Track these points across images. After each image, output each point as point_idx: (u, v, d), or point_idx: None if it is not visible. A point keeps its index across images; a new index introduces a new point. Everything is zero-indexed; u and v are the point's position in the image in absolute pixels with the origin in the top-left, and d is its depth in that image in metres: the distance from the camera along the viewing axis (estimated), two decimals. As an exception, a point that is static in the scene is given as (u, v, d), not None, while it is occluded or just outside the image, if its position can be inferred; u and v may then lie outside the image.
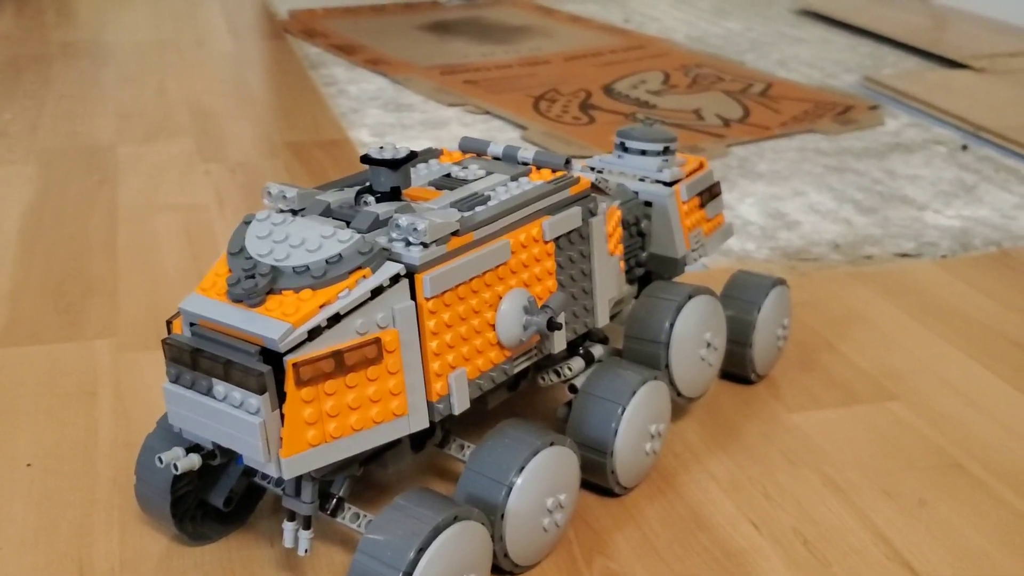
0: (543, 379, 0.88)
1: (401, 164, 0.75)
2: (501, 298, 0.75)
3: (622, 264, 0.90)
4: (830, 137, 1.78)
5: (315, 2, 2.81)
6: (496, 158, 0.87)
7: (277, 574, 0.78)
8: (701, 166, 1.00)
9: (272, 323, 0.64)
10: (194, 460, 0.70)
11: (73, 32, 2.52)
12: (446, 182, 0.82)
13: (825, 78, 2.14)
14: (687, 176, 0.98)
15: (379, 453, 0.77)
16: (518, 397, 0.93)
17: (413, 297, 0.69)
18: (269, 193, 0.74)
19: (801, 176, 1.60)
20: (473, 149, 0.89)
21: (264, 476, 0.77)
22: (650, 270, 0.98)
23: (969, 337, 1.13)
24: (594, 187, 0.85)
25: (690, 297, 0.91)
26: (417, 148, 0.81)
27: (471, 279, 0.73)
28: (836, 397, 1.02)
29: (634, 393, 0.83)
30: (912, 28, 2.46)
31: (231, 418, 0.65)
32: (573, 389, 0.88)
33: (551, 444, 0.76)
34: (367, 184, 0.77)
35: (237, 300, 0.66)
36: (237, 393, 0.65)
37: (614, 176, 0.97)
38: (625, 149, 0.98)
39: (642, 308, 0.91)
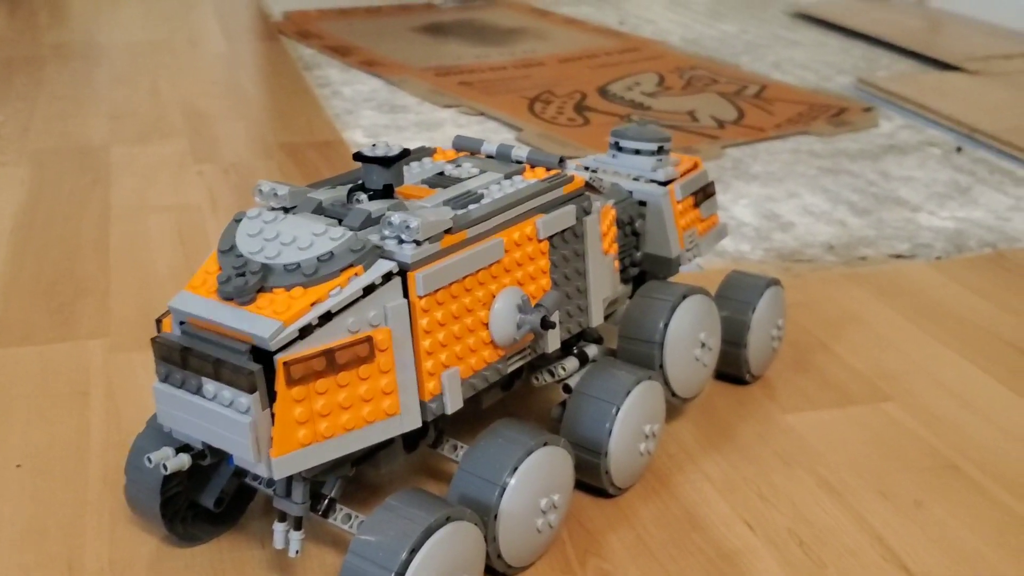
0: (537, 379, 0.88)
1: (394, 162, 0.74)
2: (494, 296, 0.75)
3: (616, 264, 0.89)
4: (824, 139, 1.78)
5: (309, 3, 2.81)
6: (490, 157, 0.87)
7: (267, 575, 0.77)
8: (695, 166, 1.00)
9: (263, 321, 0.64)
10: (184, 460, 0.69)
11: (66, 33, 2.51)
12: (439, 180, 0.81)
13: (819, 80, 2.13)
14: (681, 176, 0.97)
15: (371, 453, 0.76)
16: (512, 397, 0.92)
17: (406, 295, 0.69)
18: (260, 191, 0.74)
19: (795, 178, 1.59)
20: (467, 148, 0.88)
21: (255, 476, 0.76)
22: (644, 270, 0.97)
23: (964, 338, 1.13)
24: (588, 186, 0.85)
25: (684, 297, 0.90)
26: (407, 147, 0.81)
27: (464, 277, 0.72)
28: (831, 398, 1.01)
29: (628, 393, 0.83)
30: (906, 31, 2.46)
31: (221, 417, 0.65)
32: (567, 389, 0.87)
33: (545, 444, 0.76)
34: (359, 182, 0.76)
35: (227, 298, 0.65)
36: (227, 392, 0.64)
37: (608, 176, 0.96)
38: (619, 149, 0.98)
39: (636, 308, 0.90)
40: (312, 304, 0.65)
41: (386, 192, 0.75)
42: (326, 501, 0.74)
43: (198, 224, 1.41)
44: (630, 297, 0.96)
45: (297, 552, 0.73)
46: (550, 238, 0.79)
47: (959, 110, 1.87)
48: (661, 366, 0.89)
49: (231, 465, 0.77)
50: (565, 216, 0.80)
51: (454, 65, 2.21)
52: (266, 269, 0.67)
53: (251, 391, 0.63)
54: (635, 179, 0.96)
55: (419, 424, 0.71)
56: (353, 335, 0.66)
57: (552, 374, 0.87)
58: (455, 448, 0.82)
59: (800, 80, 2.13)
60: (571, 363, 0.88)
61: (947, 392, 1.02)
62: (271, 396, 0.64)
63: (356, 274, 0.66)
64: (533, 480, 0.75)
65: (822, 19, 2.65)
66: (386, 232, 0.69)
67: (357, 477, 0.81)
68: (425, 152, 0.88)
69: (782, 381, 1.04)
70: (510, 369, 0.78)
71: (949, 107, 1.89)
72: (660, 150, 0.96)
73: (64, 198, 1.50)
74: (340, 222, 0.71)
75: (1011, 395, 1.02)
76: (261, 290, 0.66)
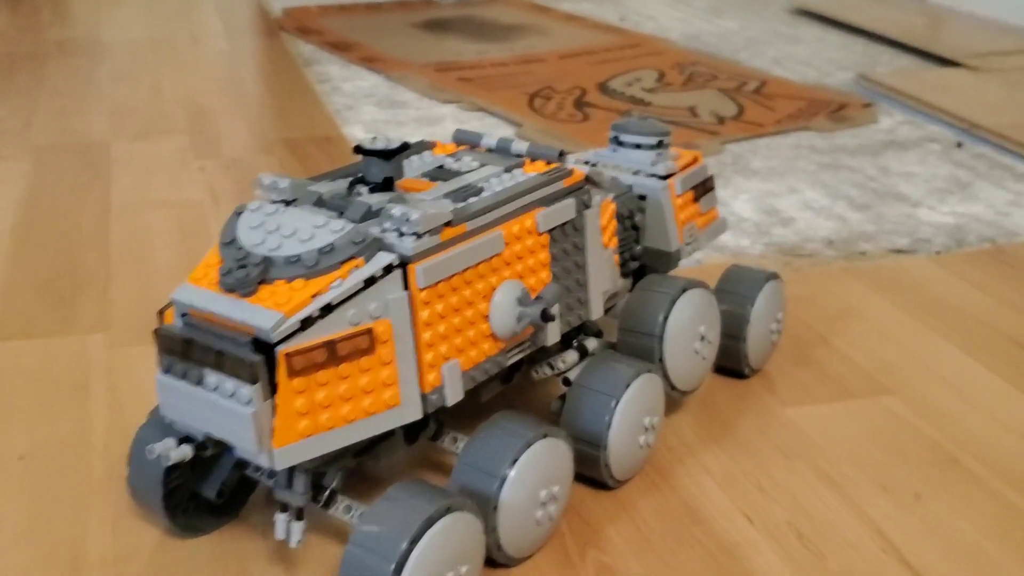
0: (537, 372, 0.88)
1: (394, 155, 0.74)
2: (495, 289, 0.75)
3: (616, 257, 0.89)
4: (824, 135, 1.78)
5: (309, 0, 2.81)
6: (490, 150, 0.87)
7: (269, 566, 0.78)
8: (695, 160, 1.00)
9: (264, 313, 0.64)
10: (186, 451, 0.70)
11: (68, 30, 2.52)
12: (439, 174, 0.81)
13: (820, 76, 2.14)
14: (681, 170, 0.98)
15: (372, 445, 0.77)
16: (511, 390, 0.93)
17: (406, 287, 0.69)
18: (261, 183, 0.74)
19: (795, 173, 1.60)
20: (467, 141, 0.89)
21: (256, 468, 0.76)
22: (644, 264, 0.98)
23: (963, 332, 1.13)
24: (588, 179, 0.85)
25: (684, 290, 0.90)
26: (407, 140, 0.81)
27: (464, 270, 0.72)
28: (830, 391, 1.02)
29: (628, 386, 0.83)
30: (906, 27, 2.47)
31: (223, 408, 0.65)
32: (567, 382, 0.87)
33: (545, 436, 0.76)
34: (360, 175, 0.77)
35: (229, 290, 0.66)
36: (229, 383, 0.65)
37: (608, 170, 0.97)
38: (619, 143, 0.98)
39: (636, 301, 0.91)
40: (313, 296, 0.65)
41: (386, 185, 0.75)
42: (327, 492, 0.74)
43: (199, 219, 1.41)
44: (630, 291, 0.96)
45: (299, 542, 0.74)
46: (550, 231, 0.80)
47: (959, 106, 1.87)
48: (661, 359, 0.89)
49: (232, 456, 0.77)
50: (565, 209, 0.80)
51: (454, 61, 2.21)
52: (267, 261, 0.67)
53: (253, 382, 0.63)
54: (635, 173, 0.96)
55: (419, 416, 0.71)
56: (354, 327, 0.66)
57: (552, 367, 0.88)
58: (455, 440, 0.82)
59: (800, 76, 2.13)
60: (571, 356, 0.88)
61: (947, 386, 1.03)
62: (272, 387, 0.65)
63: (357, 266, 0.67)
64: (533, 472, 0.75)
65: (822, 15, 2.66)
66: (387, 225, 0.70)
67: (357, 469, 0.81)
68: (425, 146, 0.88)
69: (782, 375, 1.04)
70: (510, 362, 0.79)
71: (949, 103, 1.89)
72: (660, 144, 0.97)
73: (65, 193, 1.50)
74: (341, 215, 0.71)
75: (1011, 389, 1.02)
76: (263, 282, 0.66)
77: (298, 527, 0.73)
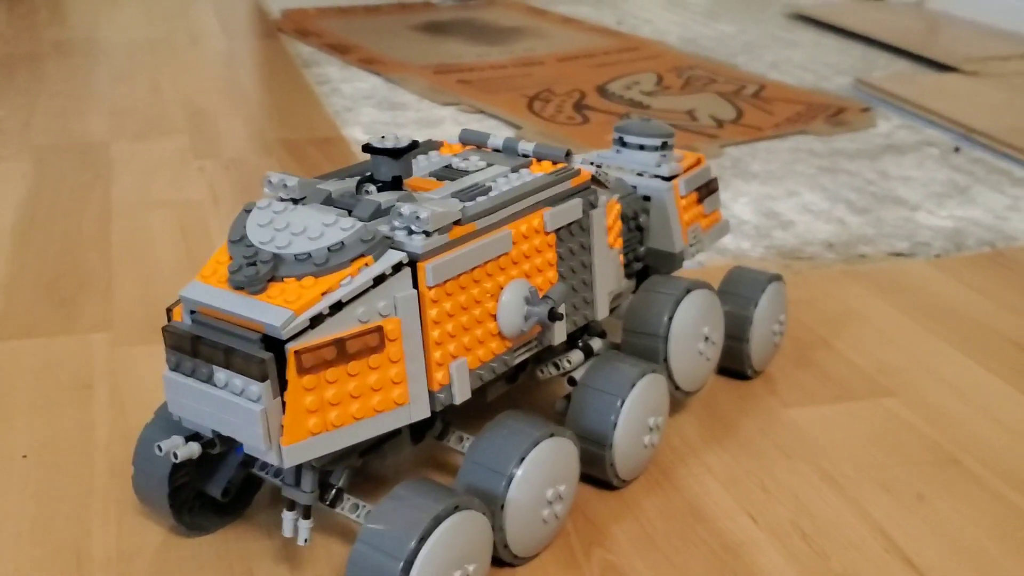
0: (542, 372, 0.88)
1: (403, 153, 0.75)
2: (502, 288, 0.75)
3: (621, 258, 0.90)
4: (823, 138, 1.79)
5: (308, 1, 2.81)
6: (496, 150, 0.87)
7: (274, 565, 0.78)
8: (699, 162, 1.01)
9: (274, 310, 0.64)
10: (194, 449, 0.70)
11: (66, 30, 2.51)
12: (447, 173, 0.82)
13: (817, 80, 2.14)
14: (685, 172, 0.98)
15: (378, 444, 0.77)
16: (516, 390, 0.93)
17: (415, 286, 0.69)
18: (269, 182, 0.74)
19: (794, 176, 1.60)
20: (473, 141, 0.89)
21: (263, 466, 0.76)
22: (648, 264, 0.98)
23: (963, 335, 1.13)
24: (594, 180, 0.86)
25: (688, 291, 0.91)
26: (416, 139, 0.81)
27: (473, 268, 0.72)
28: (832, 393, 1.02)
29: (633, 386, 0.83)
30: (903, 32, 2.47)
31: (232, 406, 0.65)
32: (572, 382, 0.87)
33: (551, 435, 0.76)
34: (368, 173, 0.77)
35: (238, 287, 0.66)
36: (238, 380, 0.65)
37: (613, 171, 0.97)
38: (623, 144, 0.98)
39: (641, 302, 0.91)
40: (323, 294, 0.65)
41: (395, 184, 0.76)
42: (333, 491, 0.74)
43: (200, 220, 1.41)
44: (633, 292, 0.97)
45: (306, 540, 0.74)
46: (557, 231, 0.80)
47: (957, 110, 1.88)
48: (665, 360, 0.89)
49: (239, 455, 0.77)
50: (572, 209, 0.81)
51: (453, 63, 2.22)
52: (277, 259, 0.67)
53: (262, 379, 0.63)
54: (639, 174, 0.96)
55: (428, 414, 0.71)
56: (363, 325, 0.67)
57: (557, 367, 0.88)
58: (460, 439, 0.82)
59: (798, 80, 2.14)
60: (576, 356, 0.89)
61: (947, 388, 1.03)
62: (282, 385, 0.65)
63: (366, 264, 0.67)
64: (539, 471, 0.75)
65: (819, 20, 2.66)
66: (396, 223, 0.70)
67: (363, 468, 0.81)
68: (432, 146, 0.88)
69: (783, 376, 1.04)
70: (517, 361, 0.79)
71: (947, 107, 1.90)
72: (664, 146, 0.97)
73: (65, 193, 1.50)
74: (350, 213, 0.71)
75: (1011, 390, 1.03)
76: (272, 279, 0.66)
77: (305, 525, 0.73)
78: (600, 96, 2.00)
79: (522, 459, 0.74)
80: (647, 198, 0.95)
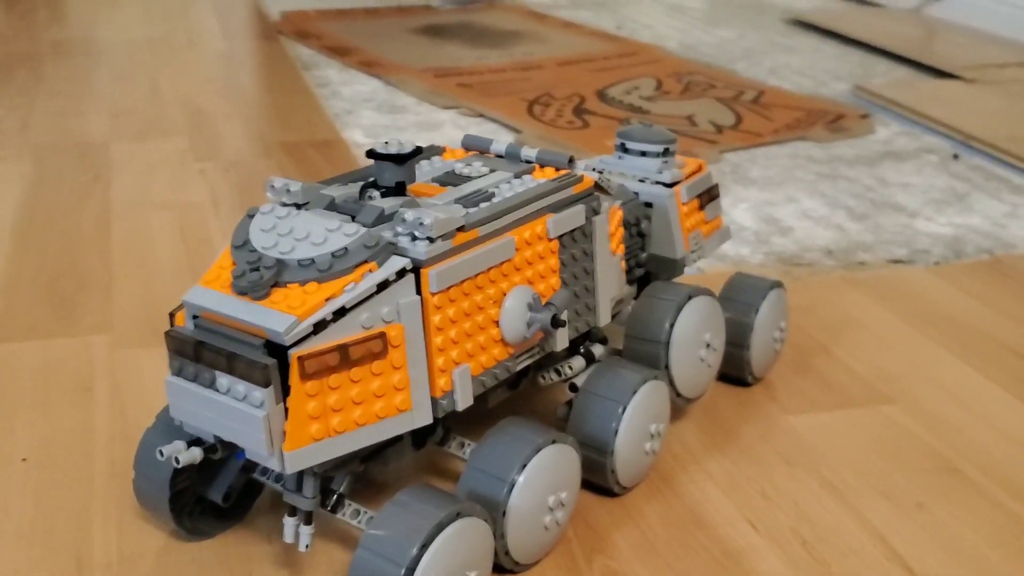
0: (543, 378, 0.88)
1: (407, 159, 0.75)
2: (505, 294, 0.75)
3: (623, 264, 0.90)
4: (822, 145, 1.79)
5: (308, 4, 2.81)
6: (499, 156, 0.87)
7: (275, 570, 0.78)
8: (700, 168, 1.01)
9: (277, 316, 0.64)
10: (195, 454, 0.70)
11: (64, 30, 2.51)
12: (450, 179, 0.82)
13: (816, 87, 2.15)
14: (687, 178, 0.98)
15: (380, 450, 0.77)
16: (518, 396, 0.93)
17: (418, 292, 0.69)
18: (273, 187, 0.74)
19: (794, 182, 1.60)
20: (476, 147, 0.89)
21: (264, 471, 0.76)
22: (649, 271, 0.98)
23: (963, 342, 1.14)
24: (597, 186, 0.86)
25: (690, 298, 0.91)
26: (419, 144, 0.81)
27: (476, 275, 0.72)
28: (832, 400, 1.02)
29: (635, 392, 0.83)
30: (902, 38, 2.48)
31: (234, 411, 0.65)
32: (573, 388, 0.88)
33: (553, 442, 0.76)
34: (372, 179, 0.77)
35: (242, 292, 0.66)
36: (241, 386, 0.65)
37: (614, 177, 0.97)
38: (625, 150, 0.98)
39: (642, 308, 0.91)
40: (326, 299, 0.65)
41: (399, 189, 0.76)
42: (335, 496, 0.74)
43: (199, 221, 1.41)
44: (635, 298, 0.97)
45: (307, 546, 0.74)
46: (560, 237, 0.80)
47: (955, 117, 1.88)
48: (666, 366, 0.90)
49: (239, 459, 0.77)
50: (575, 215, 0.81)
51: (453, 67, 2.22)
52: (280, 264, 0.67)
53: (266, 385, 0.63)
54: (641, 181, 0.96)
55: (430, 420, 0.71)
56: (366, 331, 0.67)
57: (559, 373, 0.88)
58: (462, 445, 0.82)
59: (797, 86, 2.14)
60: (577, 362, 0.89)
61: (947, 395, 1.03)
62: (284, 390, 0.64)
63: (370, 270, 0.67)
64: (541, 477, 0.75)
65: (818, 26, 2.67)
66: (399, 229, 0.70)
67: (365, 473, 0.81)
68: (435, 151, 0.88)
69: (784, 383, 1.04)
70: (519, 367, 0.79)
71: (946, 114, 1.90)
72: (666, 152, 0.97)
73: (65, 194, 1.50)
74: (353, 219, 0.71)
75: (1010, 398, 1.03)
76: (275, 285, 0.66)
77: (307, 531, 0.73)
78: (600, 101, 2.00)
79: (524, 466, 0.74)
80: (649, 204, 0.95)
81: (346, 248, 0.67)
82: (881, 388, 1.04)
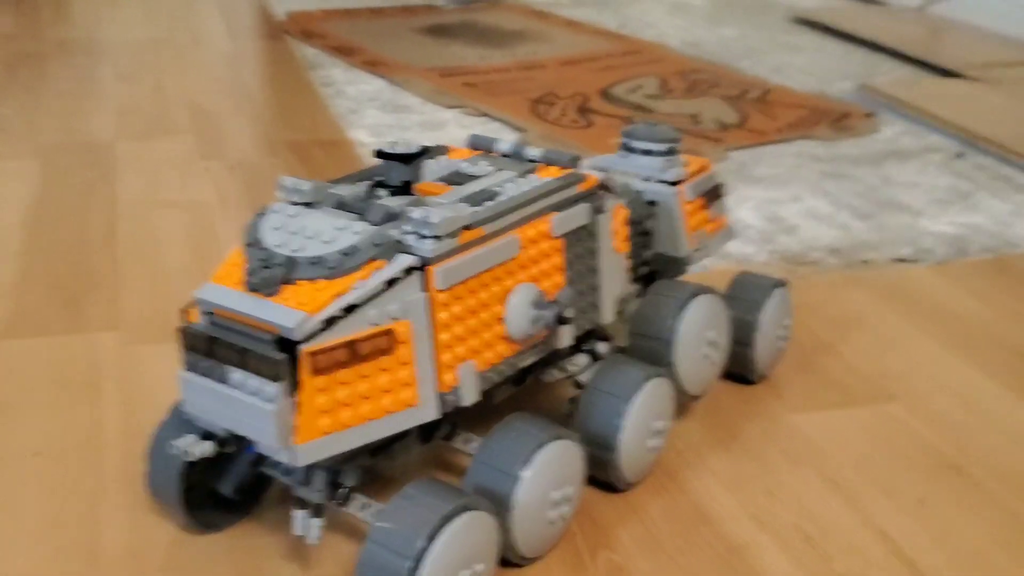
0: (549, 374, 0.89)
1: (414, 159, 0.76)
2: (510, 292, 0.76)
3: (627, 262, 0.91)
4: (826, 143, 1.80)
5: (313, 3, 2.82)
6: (504, 155, 0.88)
7: (284, 563, 0.78)
8: (704, 167, 1.02)
9: (288, 312, 0.65)
10: (208, 447, 0.71)
11: (69, 29, 2.52)
12: (455, 178, 0.83)
13: (821, 85, 2.15)
14: (691, 177, 0.99)
15: (387, 444, 0.78)
16: (523, 392, 0.93)
17: (425, 289, 0.70)
18: (283, 186, 0.75)
19: (799, 181, 1.61)
20: (481, 146, 0.90)
21: (274, 465, 0.77)
22: (654, 269, 0.99)
23: (966, 342, 1.14)
24: (601, 185, 0.86)
25: (694, 296, 0.91)
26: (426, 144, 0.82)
27: (482, 273, 0.73)
28: (835, 398, 1.03)
29: (639, 389, 0.84)
30: (907, 37, 2.48)
31: (246, 405, 0.66)
32: (578, 385, 0.88)
33: (558, 438, 0.77)
34: (379, 178, 0.78)
35: (254, 289, 0.67)
36: (253, 381, 0.66)
37: (619, 175, 0.98)
38: (630, 149, 0.99)
39: (647, 306, 0.92)
40: (336, 296, 0.66)
41: (406, 188, 0.76)
42: (343, 490, 0.75)
43: (206, 220, 1.42)
44: (639, 296, 0.97)
45: (317, 539, 0.74)
46: (564, 235, 0.81)
47: (960, 116, 1.89)
48: (671, 363, 0.90)
49: (250, 453, 0.78)
50: (579, 214, 0.82)
51: (457, 66, 2.22)
52: (291, 262, 0.68)
53: (277, 380, 0.64)
54: (645, 179, 0.97)
55: (436, 415, 0.72)
56: (374, 327, 0.67)
57: (564, 370, 0.89)
58: (467, 440, 0.83)
59: (801, 85, 2.15)
60: (581, 359, 0.89)
61: (950, 394, 1.04)
62: (295, 385, 0.65)
63: (378, 268, 0.68)
64: (547, 472, 0.76)
65: (823, 24, 2.67)
66: (407, 227, 0.71)
67: (372, 468, 0.82)
68: (440, 151, 0.89)
69: (787, 381, 1.05)
70: (524, 364, 0.80)
71: (950, 113, 1.91)
72: (670, 151, 0.98)
73: (72, 193, 1.51)
74: (362, 217, 0.72)
75: (1012, 397, 1.04)
76: (286, 282, 0.67)
77: (316, 524, 0.74)
78: (604, 100, 2.01)
79: (529, 461, 0.75)
80: (653, 203, 0.96)
81: (355, 246, 0.68)
82: (884, 386, 1.05)
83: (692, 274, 1.14)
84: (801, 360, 1.09)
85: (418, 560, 0.67)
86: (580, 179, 0.83)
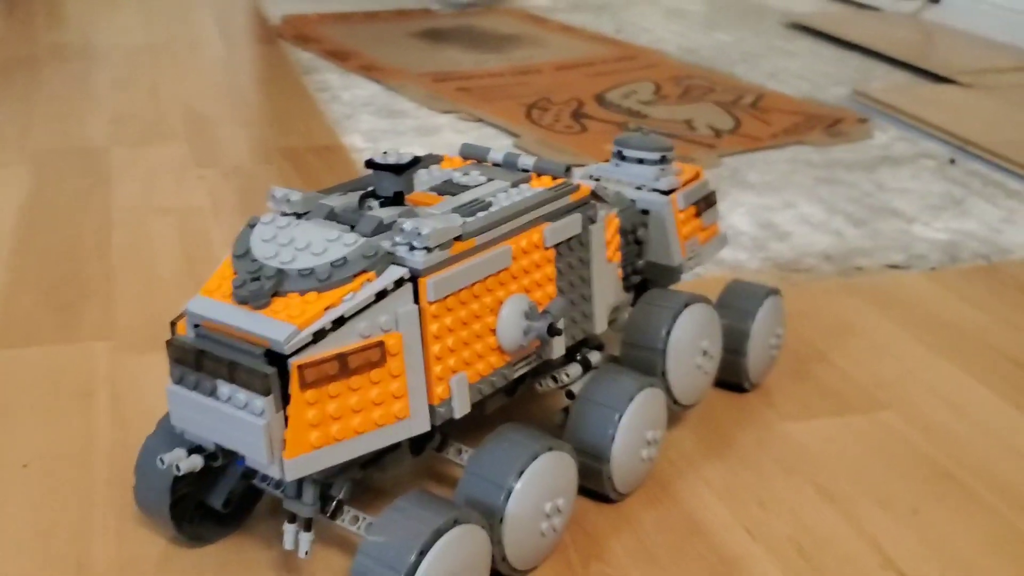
0: (540, 385, 0.89)
1: (405, 169, 0.75)
2: (502, 303, 0.76)
3: (619, 271, 0.90)
4: (820, 149, 1.80)
5: (308, 8, 2.82)
6: (497, 164, 0.88)
7: (275, 576, 0.78)
8: (697, 175, 1.01)
9: (277, 325, 0.65)
10: (196, 461, 0.70)
11: (64, 34, 2.52)
12: (448, 188, 0.82)
13: (815, 91, 2.15)
14: (684, 185, 0.99)
15: (379, 456, 0.77)
16: (515, 403, 0.93)
17: (416, 301, 0.70)
18: (274, 196, 0.75)
19: (792, 187, 1.61)
20: (474, 155, 0.89)
21: (264, 478, 0.77)
22: (646, 278, 0.99)
23: (959, 349, 1.14)
24: (594, 194, 0.86)
25: (687, 305, 0.91)
26: (417, 154, 0.82)
27: (473, 284, 0.73)
28: (828, 406, 1.03)
29: (632, 399, 0.84)
30: (901, 43, 2.49)
31: (235, 419, 0.66)
32: (570, 395, 0.88)
33: (550, 449, 0.77)
34: (370, 189, 0.78)
35: (243, 302, 0.66)
36: (242, 394, 0.65)
37: (611, 184, 0.98)
38: (622, 157, 0.99)
39: (640, 315, 0.92)
40: (326, 309, 0.66)
41: (397, 199, 0.76)
42: (334, 503, 0.75)
43: (200, 227, 1.42)
44: (632, 305, 0.97)
45: (307, 553, 0.74)
46: (556, 246, 0.81)
47: (953, 122, 1.89)
48: (663, 373, 0.90)
49: (240, 466, 0.78)
50: (571, 224, 0.81)
51: (452, 71, 2.22)
52: (281, 274, 0.68)
53: (266, 393, 0.64)
54: (638, 188, 0.97)
55: (428, 428, 0.72)
56: (365, 340, 0.67)
57: (556, 380, 0.88)
58: (460, 452, 0.83)
59: (795, 90, 2.15)
60: (574, 369, 0.89)
61: (943, 402, 1.04)
62: (284, 399, 0.65)
63: (368, 280, 0.68)
64: (538, 484, 0.76)
65: (817, 30, 2.68)
66: (398, 239, 0.70)
67: (364, 480, 0.82)
68: (433, 160, 0.89)
69: (780, 389, 1.05)
70: (516, 375, 0.79)
71: (943, 119, 1.91)
72: (663, 159, 0.98)
73: (65, 200, 1.50)
74: (353, 228, 0.72)
75: (1004, 405, 1.04)
76: (276, 294, 0.67)
77: (307, 537, 0.74)
78: (598, 105, 2.01)
79: (521, 472, 0.75)
80: (646, 212, 0.96)
81: (345, 258, 0.68)
82: (877, 394, 1.05)
83: (685, 281, 1.14)
84: (794, 368, 1.09)
85: (410, 574, 0.66)
86: (572, 189, 0.83)
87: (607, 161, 1.01)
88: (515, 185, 0.83)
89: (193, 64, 2.28)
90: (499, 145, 1.76)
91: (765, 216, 1.49)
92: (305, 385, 0.65)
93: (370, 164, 0.75)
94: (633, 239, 0.95)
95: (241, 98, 2.04)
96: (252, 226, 0.72)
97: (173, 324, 0.71)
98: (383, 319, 0.68)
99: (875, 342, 1.15)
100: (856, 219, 1.49)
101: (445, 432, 0.83)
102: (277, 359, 0.65)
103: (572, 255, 0.82)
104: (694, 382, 0.93)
